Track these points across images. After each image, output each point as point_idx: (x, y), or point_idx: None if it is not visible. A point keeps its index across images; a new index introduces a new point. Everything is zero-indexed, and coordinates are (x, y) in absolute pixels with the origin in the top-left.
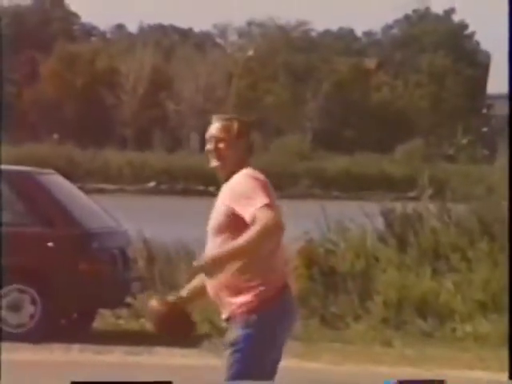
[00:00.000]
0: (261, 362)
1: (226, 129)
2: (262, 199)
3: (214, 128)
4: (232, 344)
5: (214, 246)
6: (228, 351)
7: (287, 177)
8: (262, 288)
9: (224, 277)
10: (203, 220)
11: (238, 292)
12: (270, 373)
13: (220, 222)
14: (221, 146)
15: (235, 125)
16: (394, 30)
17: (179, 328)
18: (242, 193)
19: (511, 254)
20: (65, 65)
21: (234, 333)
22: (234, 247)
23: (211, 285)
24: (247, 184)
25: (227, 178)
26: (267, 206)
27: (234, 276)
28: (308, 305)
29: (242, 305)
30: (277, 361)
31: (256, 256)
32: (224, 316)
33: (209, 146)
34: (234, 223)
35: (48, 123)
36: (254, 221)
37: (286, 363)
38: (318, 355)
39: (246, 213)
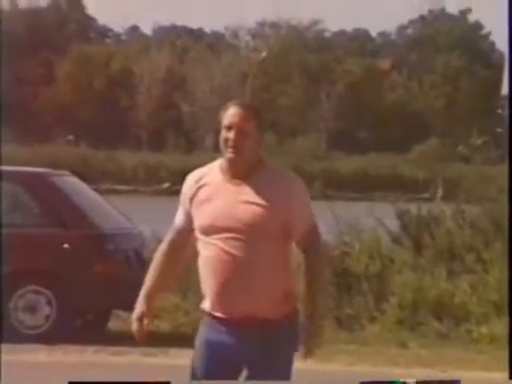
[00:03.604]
0: None
1: (248, 117)
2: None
3: (237, 115)
4: None
5: (254, 250)
6: None
7: (301, 178)
8: None
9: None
10: None
11: None
12: None
13: (266, 227)
14: (242, 135)
15: (256, 113)
16: (409, 31)
17: None
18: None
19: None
20: (80, 66)
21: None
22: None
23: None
24: (306, 196)
25: (244, 173)
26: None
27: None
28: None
29: None
30: None
31: None
32: None
33: (229, 135)
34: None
35: (63, 124)
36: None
37: (301, 365)
38: (333, 357)
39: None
